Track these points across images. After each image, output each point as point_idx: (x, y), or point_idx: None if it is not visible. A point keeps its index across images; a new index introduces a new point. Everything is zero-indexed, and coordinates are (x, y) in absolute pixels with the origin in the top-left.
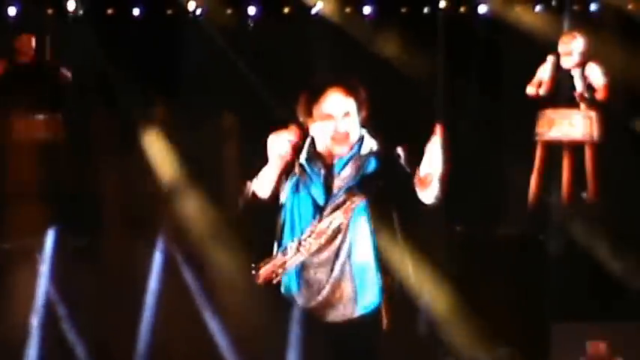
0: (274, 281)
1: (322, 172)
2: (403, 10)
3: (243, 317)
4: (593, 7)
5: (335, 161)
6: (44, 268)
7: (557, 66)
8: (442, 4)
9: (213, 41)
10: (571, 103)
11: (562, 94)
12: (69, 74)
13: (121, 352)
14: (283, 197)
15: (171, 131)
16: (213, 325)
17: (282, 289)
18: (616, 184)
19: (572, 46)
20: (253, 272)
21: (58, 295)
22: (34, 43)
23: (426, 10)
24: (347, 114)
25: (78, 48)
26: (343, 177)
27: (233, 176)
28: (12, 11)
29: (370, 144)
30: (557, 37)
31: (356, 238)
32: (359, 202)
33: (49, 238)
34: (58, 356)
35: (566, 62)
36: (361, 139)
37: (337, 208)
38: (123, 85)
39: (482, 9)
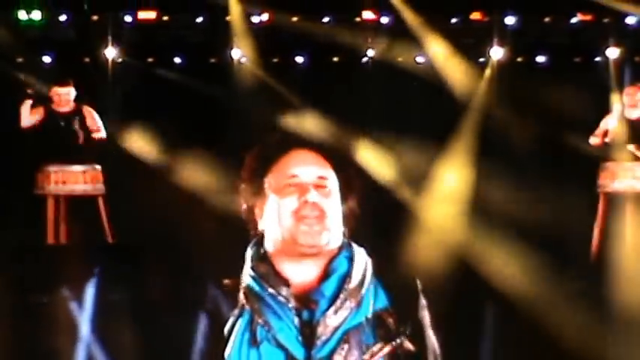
0: None
1: (288, 297)
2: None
3: None
4: None
5: (312, 282)
6: (84, 320)
7: (621, 116)
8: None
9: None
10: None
11: (624, 145)
12: (103, 135)
13: None
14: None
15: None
16: None
17: None
18: None
19: (637, 98)
20: None
21: (98, 346)
22: (71, 93)
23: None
24: (322, 178)
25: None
26: (334, 310)
27: None
28: (47, 59)
29: (364, 258)
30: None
31: None
32: None
33: (89, 289)
34: None
35: (632, 113)
36: (349, 247)
37: None
38: (164, 131)
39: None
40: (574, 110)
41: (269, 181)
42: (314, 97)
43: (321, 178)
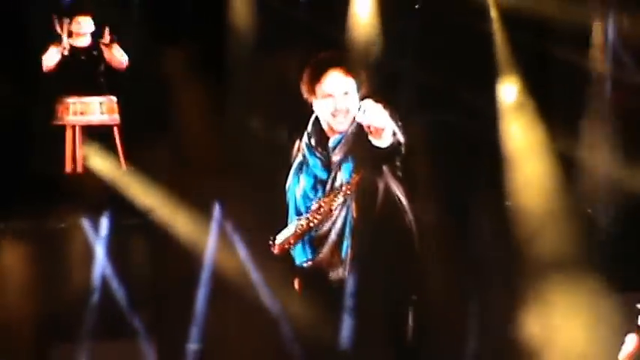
0: (288, 250)
1: (319, 150)
2: None
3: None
4: None
5: (332, 138)
6: (100, 246)
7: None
8: None
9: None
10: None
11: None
12: (124, 61)
13: (176, 325)
14: (289, 180)
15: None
16: (264, 296)
17: (296, 260)
18: None
19: None
20: (270, 243)
21: (113, 272)
22: (90, 27)
23: None
24: (346, 93)
25: (134, 33)
26: (337, 152)
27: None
28: None
29: (372, 118)
30: None
31: (353, 214)
32: (357, 184)
33: (105, 216)
34: (114, 331)
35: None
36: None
37: (340, 189)
38: (176, 67)
39: None
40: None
41: (317, 89)
42: None
43: (345, 92)
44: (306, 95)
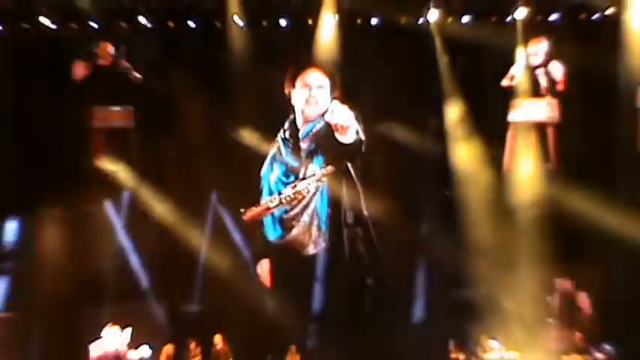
0: (259, 220)
1: (291, 141)
2: None
3: None
4: (553, 17)
5: (301, 130)
6: (119, 225)
7: (526, 63)
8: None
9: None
10: (537, 93)
11: (530, 86)
12: (139, 76)
13: (180, 289)
14: (264, 169)
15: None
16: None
17: (266, 234)
18: (571, 155)
19: (538, 48)
20: (242, 211)
21: (130, 245)
22: (111, 50)
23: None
24: (321, 87)
25: (147, 54)
26: (305, 141)
27: None
28: (94, 24)
29: (339, 117)
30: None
31: (325, 197)
32: (328, 173)
33: (124, 200)
34: (130, 294)
35: (534, 60)
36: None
37: (312, 177)
38: (181, 82)
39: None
40: (492, 59)
41: (297, 81)
42: None
43: (320, 86)
44: (287, 88)
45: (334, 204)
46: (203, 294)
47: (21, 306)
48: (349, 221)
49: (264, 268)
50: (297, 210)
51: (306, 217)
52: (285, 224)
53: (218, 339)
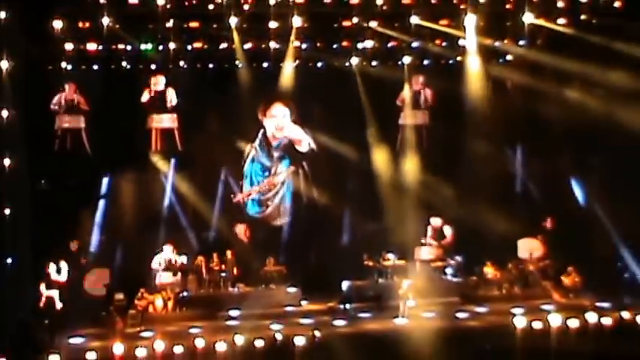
0: (243, 202)
1: (266, 147)
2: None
3: None
4: (425, 62)
5: (273, 142)
6: (169, 185)
7: (410, 89)
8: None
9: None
10: (417, 106)
11: (412, 102)
12: (175, 99)
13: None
14: (246, 167)
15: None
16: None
17: (248, 211)
18: (438, 150)
19: (418, 80)
20: (232, 196)
21: (176, 199)
22: (163, 80)
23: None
24: (284, 116)
25: (182, 84)
26: (278, 150)
27: None
28: (153, 65)
29: (296, 135)
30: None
31: (290, 186)
32: (291, 171)
33: (171, 164)
34: (175, 223)
35: (415, 87)
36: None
37: (281, 173)
38: (205, 105)
39: None
40: (391, 87)
41: (267, 112)
42: None
43: (284, 115)
44: (260, 116)
45: (295, 191)
46: (218, 227)
47: (110, 231)
48: (305, 202)
49: (240, 230)
50: (270, 195)
51: (277, 200)
52: (262, 204)
53: (229, 253)
